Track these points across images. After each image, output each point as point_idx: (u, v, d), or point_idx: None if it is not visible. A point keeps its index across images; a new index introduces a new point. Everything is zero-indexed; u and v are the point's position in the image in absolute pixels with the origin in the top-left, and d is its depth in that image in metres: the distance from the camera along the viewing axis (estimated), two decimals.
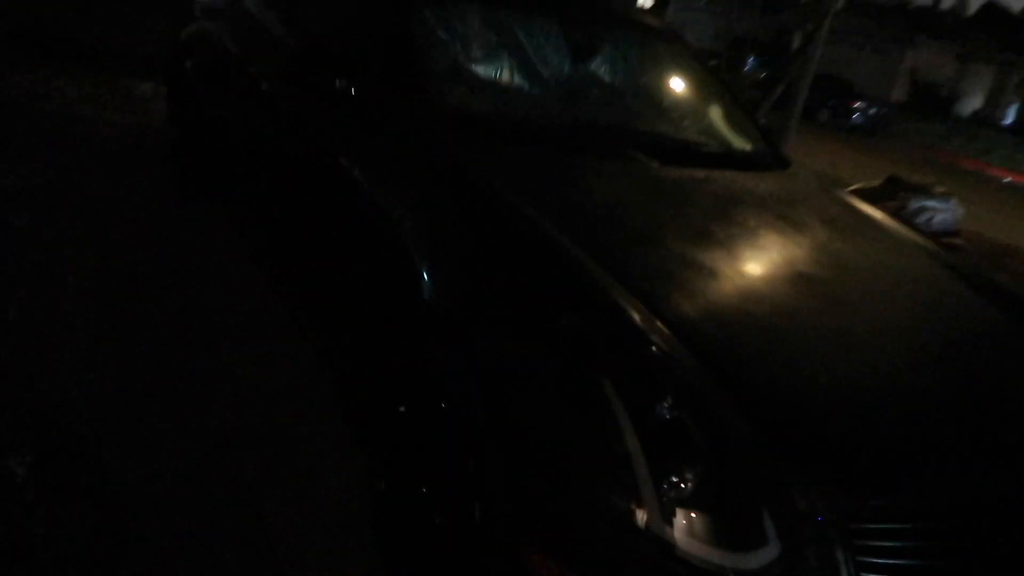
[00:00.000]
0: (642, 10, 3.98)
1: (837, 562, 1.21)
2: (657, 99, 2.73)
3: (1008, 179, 18.00)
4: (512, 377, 1.41)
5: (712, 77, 2.98)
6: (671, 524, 1.22)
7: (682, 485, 1.25)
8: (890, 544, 1.26)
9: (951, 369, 1.65)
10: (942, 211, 6.39)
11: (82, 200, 3.42)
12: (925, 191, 6.60)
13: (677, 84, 2.86)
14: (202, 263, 3.10)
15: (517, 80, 2.32)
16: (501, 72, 2.29)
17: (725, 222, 1.93)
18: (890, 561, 1.25)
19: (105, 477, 1.85)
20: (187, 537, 1.75)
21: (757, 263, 1.82)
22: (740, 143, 2.63)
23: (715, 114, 2.72)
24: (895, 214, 5.61)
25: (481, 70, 2.26)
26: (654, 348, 1.36)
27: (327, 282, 2.11)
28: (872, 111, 21.06)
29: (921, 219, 6.15)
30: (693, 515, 1.22)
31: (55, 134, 4.20)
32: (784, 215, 2.11)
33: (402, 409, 1.71)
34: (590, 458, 1.29)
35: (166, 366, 2.35)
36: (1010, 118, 29.43)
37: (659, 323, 1.41)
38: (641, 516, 1.22)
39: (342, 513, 1.93)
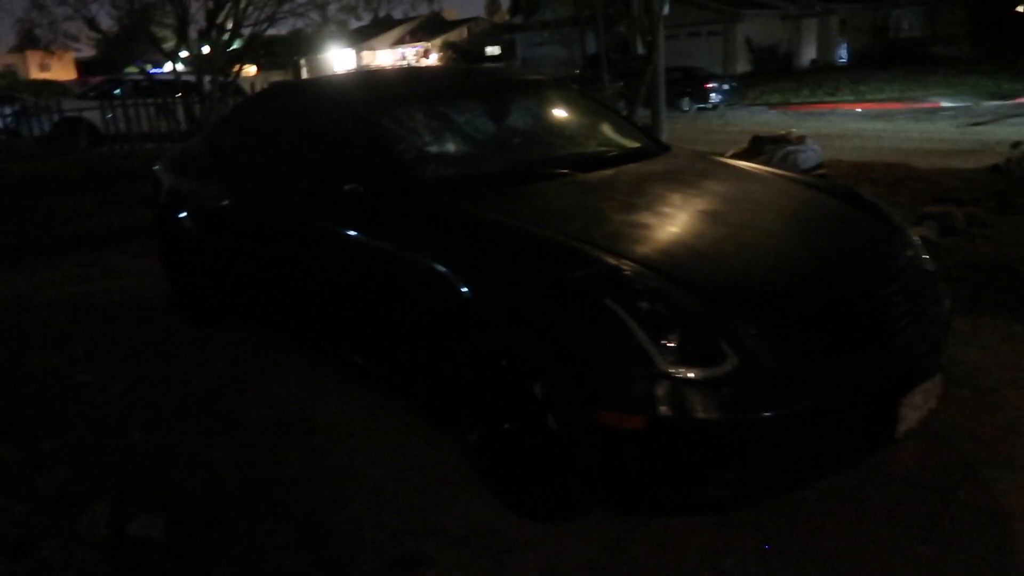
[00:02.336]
0: (504, 60, 4.93)
1: (766, 352, 2.07)
2: (562, 129, 3.66)
3: (859, 109, 20.02)
4: (553, 323, 2.22)
5: (593, 101, 3.94)
6: (670, 363, 2.05)
7: (669, 344, 2.08)
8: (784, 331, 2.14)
9: (805, 237, 2.58)
10: (803, 152, 7.59)
11: (125, 348, 4.08)
12: (785, 140, 7.80)
13: (571, 114, 3.80)
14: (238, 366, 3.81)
15: (465, 147, 3.20)
16: (453, 145, 3.17)
17: (641, 195, 2.83)
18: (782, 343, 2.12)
19: None
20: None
21: (673, 213, 2.70)
22: (630, 143, 3.57)
23: (604, 127, 3.67)
24: (766, 164, 6.69)
25: (442, 147, 3.12)
26: (627, 273, 2.21)
27: (394, 330, 2.84)
28: (725, 87, 23.04)
29: (787, 163, 7.30)
30: (680, 356, 2.06)
31: (71, 315, 4.82)
32: (678, 180, 3.04)
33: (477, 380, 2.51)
34: (613, 345, 2.11)
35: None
36: (843, 57, 32.26)
37: (625, 260, 2.26)
38: (654, 364, 2.04)
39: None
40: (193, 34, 9.57)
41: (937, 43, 30.43)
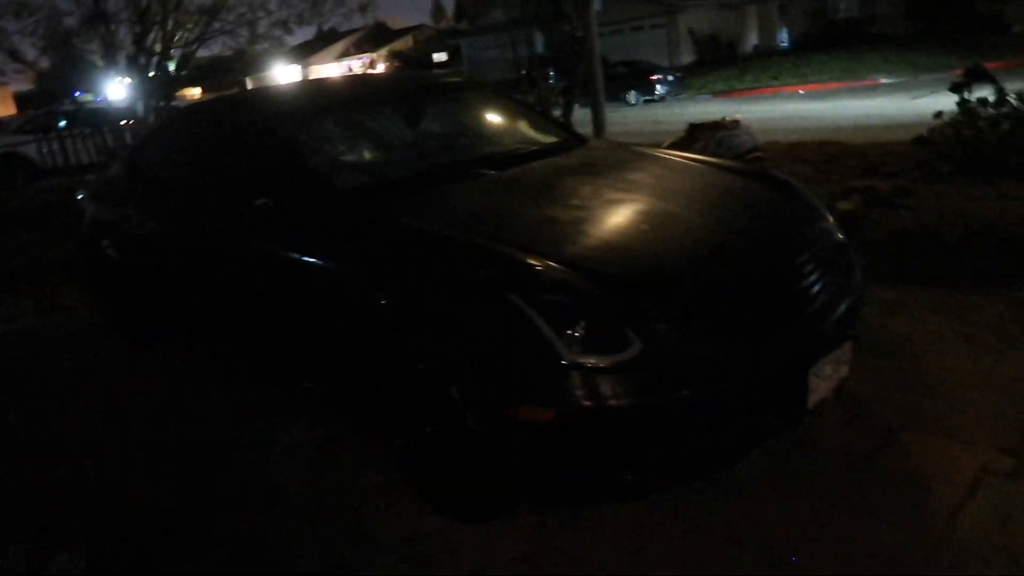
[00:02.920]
0: (447, 72, 4.96)
1: (672, 335, 2.09)
2: (481, 130, 3.66)
3: (802, 92, 20.38)
4: (463, 323, 2.21)
5: (512, 101, 3.95)
6: (576, 353, 2.05)
7: (575, 334, 2.09)
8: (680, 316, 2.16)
9: (712, 219, 2.61)
10: (739, 136, 7.68)
11: (58, 381, 4.00)
12: (720, 127, 7.89)
13: (490, 115, 3.80)
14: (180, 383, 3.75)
15: (379, 153, 3.19)
16: (367, 152, 3.15)
17: (552, 189, 2.84)
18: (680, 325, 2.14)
19: None
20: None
21: (582, 204, 2.71)
22: (546, 138, 3.58)
23: (521, 125, 3.68)
24: (703, 151, 6.80)
25: (355, 155, 3.11)
26: (530, 267, 2.21)
27: (315, 341, 2.82)
28: (670, 78, 23.30)
29: (724, 148, 7.39)
30: (586, 346, 2.07)
31: (5, 349, 4.71)
32: (591, 172, 3.06)
33: (395, 390, 2.49)
34: (520, 340, 2.11)
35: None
36: (785, 41, 32.80)
37: (530, 255, 2.27)
38: (560, 355, 2.05)
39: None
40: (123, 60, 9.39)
41: (875, 22, 31.08)
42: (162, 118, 8.22)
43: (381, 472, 2.76)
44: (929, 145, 6.43)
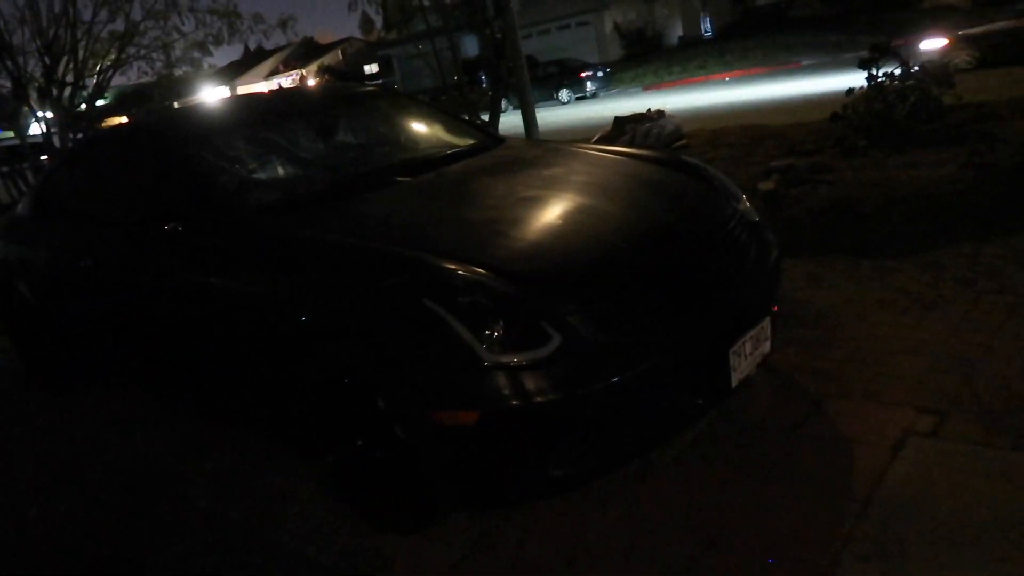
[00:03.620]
0: (363, 82, 4.91)
1: (589, 326, 2.10)
2: (395, 137, 3.63)
3: (727, 79, 20.83)
4: (380, 332, 2.18)
5: (427, 107, 3.93)
6: (495, 353, 2.04)
7: (493, 334, 2.08)
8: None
9: (624, 209, 2.63)
10: (663, 126, 7.81)
11: None
12: (645, 118, 8.02)
13: (404, 122, 3.78)
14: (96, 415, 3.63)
15: (291, 168, 3.12)
16: (278, 168, 3.09)
17: (465, 191, 2.83)
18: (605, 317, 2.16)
19: None
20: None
21: (495, 204, 2.70)
22: (463, 140, 3.56)
23: (437, 129, 3.66)
24: (630, 143, 6.88)
25: (266, 172, 3.04)
26: (443, 271, 2.19)
27: (239, 364, 2.75)
28: (599, 74, 23.58)
29: (651, 138, 7.50)
30: (505, 345, 2.06)
31: None
32: (506, 171, 3.06)
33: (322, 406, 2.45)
34: (438, 344, 2.08)
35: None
36: (708, 30, 33.47)
37: (442, 258, 2.24)
38: (479, 357, 2.03)
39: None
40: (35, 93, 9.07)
41: (793, 7, 31.95)
42: (65, 150, 7.97)
43: (318, 494, 2.70)
44: (844, 121, 6.62)
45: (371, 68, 41.70)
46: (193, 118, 3.48)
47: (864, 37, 20.83)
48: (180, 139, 3.12)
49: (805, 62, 20.55)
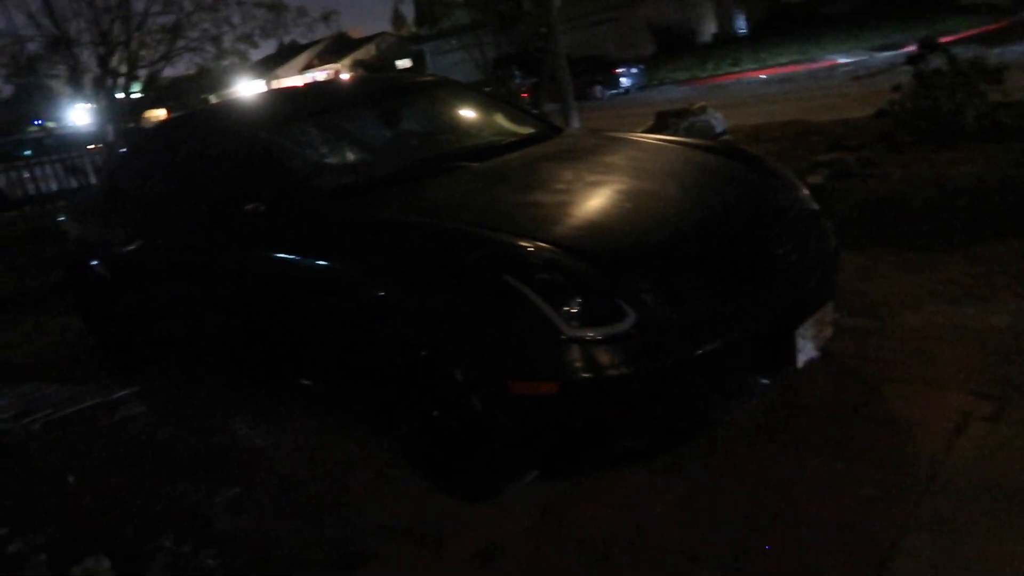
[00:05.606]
0: (416, 72, 5.04)
1: (663, 304, 2.19)
2: (456, 125, 3.74)
3: (763, 76, 20.68)
4: (460, 307, 2.28)
5: (486, 96, 4.03)
6: (574, 327, 2.14)
7: (572, 310, 2.17)
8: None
9: (690, 193, 2.72)
10: (706, 121, 7.84)
11: (55, 403, 4.01)
12: (688, 112, 8.05)
13: (464, 110, 3.88)
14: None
15: (361, 153, 3.25)
16: (349, 153, 3.22)
17: (533, 176, 2.93)
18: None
19: None
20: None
21: (564, 188, 2.79)
22: (523, 129, 3.66)
23: (497, 118, 3.77)
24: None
25: (337, 156, 3.17)
26: (523, 249, 2.29)
27: (317, 340, 2.87)
28: (633, 71, 23.52)
29: (692, 133, 7.53)
30: (583, 320, 2.15)
31: None
32: (569, 158, 3.16)
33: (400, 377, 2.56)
34: (518, 318, 2.18)
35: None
36: (743, 27, 33.20)
37: (519, 238, 2.34)
38: (559, 330, 2.13)
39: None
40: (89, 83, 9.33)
41: (824, 3, 31.56)
42: (138, 137, 8.19)
43: (391, 463, 2.82)
44: (890, 117, 6.61)
45: (403, 63, 41.98)
46: (266, 106, 3.61)
47: (898, 36, 20.63)
48: (258, 125, 3.25)
49: (841, 60, 20.32)
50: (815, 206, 2.97)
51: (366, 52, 48.89)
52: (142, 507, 2.88)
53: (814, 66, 20.23)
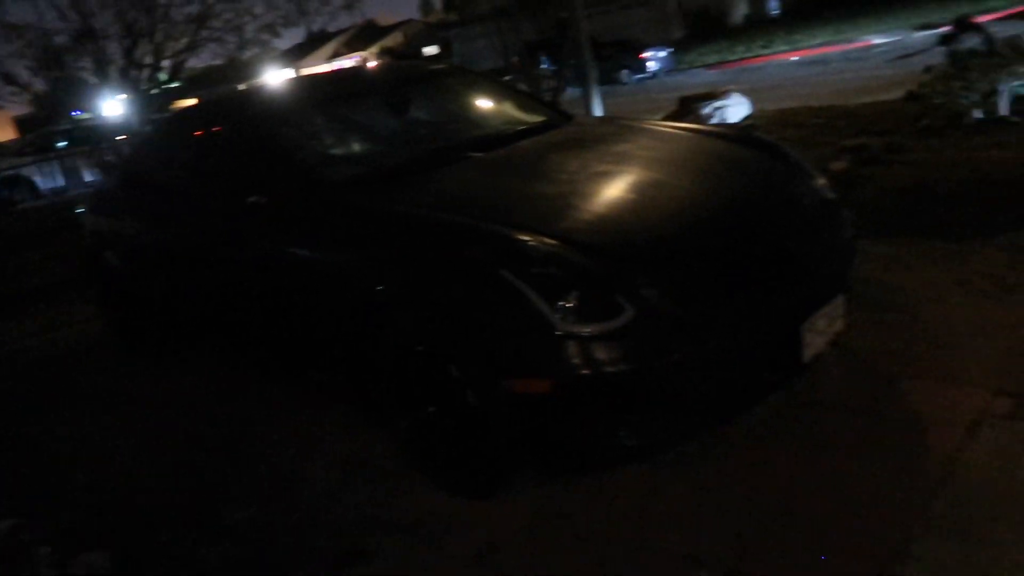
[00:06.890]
0: (429, 60, 5.00)
1: (663, 299, 2.12)
2: (465, 114, 3.69)
3: (795, 58, 20.25)
4: (456, 301, 2.25)
5: (497, 84, 3.97)
6: (569, 323, 2.09)
7: (568, 305, 2.12)
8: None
9: (698, 183, 2.64)
10: (730, 106, 7.68)
11: (74, 394, 4.07)
12: (712, 97, 7.90)
13: (475, 99, 3.83)
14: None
15: (368, 144, 3.22)
16: (356, 143, 3.19)
17: (539, 166, 2.87)
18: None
19: None
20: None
21: (569, 178, 2.73)
22: (533, 117, 3.60)
23: (507, 106, 3.71)
24: (696, 123, 6.78)
25: (343, 147, 3.14)
26: (519, 242, 2.24)
27: (318, 331, 2.86)
28: (661, 54, 23.16)
29: (716, 119, 7.40)
30: (579, 315, 2.10)
31: (16, 369, 4.79)
32: (577, 147, 3.09)
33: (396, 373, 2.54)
34: (513, 314, 2.14)
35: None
36: (775, 8, 32.54)
37: (517, 230, 2.30)
38: (553, 326, 2.08)
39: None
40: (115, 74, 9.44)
41: None
42: (151, 127, 8.29)
43: (393, 458, 2.80)
44: (921, 100, 6.41)
45: (431, 50, 41.91)
46: (274, 95, 3.60)
47: (936, 15, 20.04)
48: (263, 115, 3.24)
49: (876, 40, 19.81)
50: (831, 195, 2.87)
51: (393, 39, 48.89)
52: (142, 501, 2.90)
53: (848, 47, 19.75)
